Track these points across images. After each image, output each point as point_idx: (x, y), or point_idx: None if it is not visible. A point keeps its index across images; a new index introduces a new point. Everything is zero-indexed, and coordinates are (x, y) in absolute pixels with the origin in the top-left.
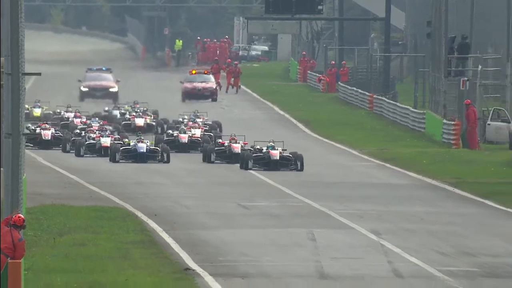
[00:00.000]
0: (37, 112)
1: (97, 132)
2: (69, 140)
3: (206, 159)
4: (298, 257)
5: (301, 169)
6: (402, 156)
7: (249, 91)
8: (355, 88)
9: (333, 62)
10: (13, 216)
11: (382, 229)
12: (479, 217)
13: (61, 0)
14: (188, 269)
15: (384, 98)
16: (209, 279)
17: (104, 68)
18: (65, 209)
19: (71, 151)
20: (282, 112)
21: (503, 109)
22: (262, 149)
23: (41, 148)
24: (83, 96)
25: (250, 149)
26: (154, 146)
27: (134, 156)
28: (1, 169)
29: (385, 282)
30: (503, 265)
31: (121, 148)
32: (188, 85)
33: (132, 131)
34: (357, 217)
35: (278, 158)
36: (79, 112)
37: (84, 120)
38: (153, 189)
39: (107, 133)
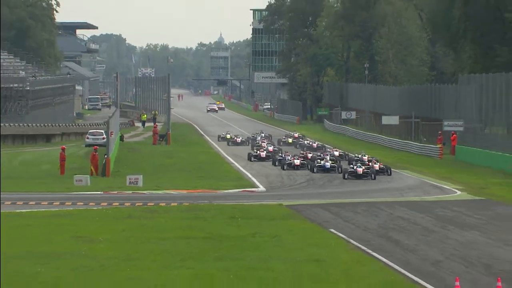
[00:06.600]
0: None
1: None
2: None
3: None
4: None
5: (374, 178)
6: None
7: None
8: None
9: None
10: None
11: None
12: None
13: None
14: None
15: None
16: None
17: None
18: None
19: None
20: None
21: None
22: (355, 167)
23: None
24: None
25: (350, 167)
26: (333, 163)
27: (323, 170)
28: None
29: None
30: None
31: (317, 165)
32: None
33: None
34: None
35: (361, 172)
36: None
37: (264, 143)
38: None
39: (296, 157)
